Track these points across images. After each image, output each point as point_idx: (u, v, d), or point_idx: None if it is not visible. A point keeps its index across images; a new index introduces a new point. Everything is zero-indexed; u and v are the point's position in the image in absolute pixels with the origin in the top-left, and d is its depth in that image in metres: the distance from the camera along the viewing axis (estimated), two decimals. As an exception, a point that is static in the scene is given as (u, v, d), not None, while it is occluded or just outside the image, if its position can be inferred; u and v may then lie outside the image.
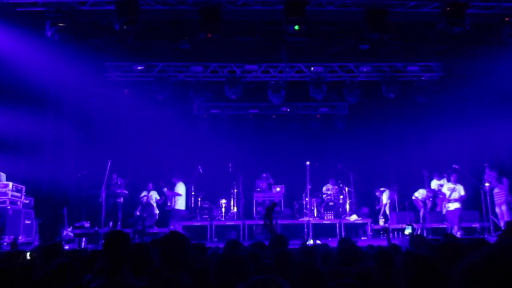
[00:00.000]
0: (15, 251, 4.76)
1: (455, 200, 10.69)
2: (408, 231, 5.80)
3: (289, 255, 3.37)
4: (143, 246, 3.56)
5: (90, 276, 3.25)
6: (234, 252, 2.96)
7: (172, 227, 10.89)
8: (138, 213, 11.70)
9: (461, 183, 10.95)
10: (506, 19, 9.13)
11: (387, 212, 12.64)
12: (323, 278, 2.69)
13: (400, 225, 10.94)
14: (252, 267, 3.19)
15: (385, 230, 6.31)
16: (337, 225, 11.51)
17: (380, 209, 12.83)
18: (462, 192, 10.75)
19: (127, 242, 2.94)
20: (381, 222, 11.99)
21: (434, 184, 12.10)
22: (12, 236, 8.34)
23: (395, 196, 12.71)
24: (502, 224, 10.11)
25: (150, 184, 12.16)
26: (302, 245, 5.51)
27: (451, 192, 10.79)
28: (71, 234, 9.91)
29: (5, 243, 8.12)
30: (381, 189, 12.93)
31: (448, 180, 11.25)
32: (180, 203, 11.82)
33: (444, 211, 11.00)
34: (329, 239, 10.29)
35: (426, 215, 11.65)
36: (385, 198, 12.81)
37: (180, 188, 11.95)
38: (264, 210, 12.03)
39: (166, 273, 2.64)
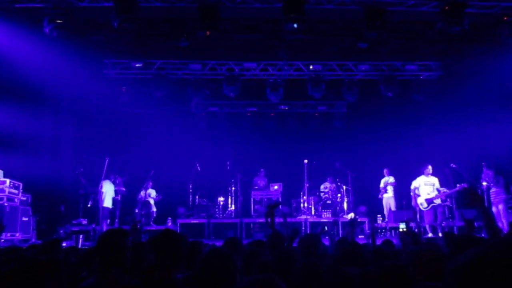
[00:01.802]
0: (11, 247, 4.74)
1: (436, 196, 10.65)
2: (402, 226, 5.81)
3: (289, 253, 3.37)
4: (138, 243, 3.54)
5: (86, 274, 3.24)
6: (220, 248, 2.93)
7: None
8: (136, 211, 11.70)
9: (437, 176, 10.78)
10: (505, 18, 9.15)
11: (391, 205, 12.32)
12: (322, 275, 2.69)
13: (398, 224, 10.91)
14: (252, 265, 3.19)
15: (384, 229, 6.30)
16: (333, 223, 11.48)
17: (381, 200, 12.43)
18: (438, 185, 10.68)
19: (123, 241, 2.90)
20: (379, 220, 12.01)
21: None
22: (8, 233, 8.34)
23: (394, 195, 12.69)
24: (499, 224, 10.12)
25: (150, 183, 12.13)
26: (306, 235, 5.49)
27: (432, 186, 10.73)
28: (68, 231, 9.90)
29: (2, 240, 8.12)
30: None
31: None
32: (105, 201, 11.49)
33: (425, 206, 10.80)
34: (326, 237, 10.28)
35: (423, 214, 11.64)
36: (390, 180, 12.52)
37: (105, 186, 11.23)
38: (262, 208, 12.06)
39: (159, 271, 2.61)
